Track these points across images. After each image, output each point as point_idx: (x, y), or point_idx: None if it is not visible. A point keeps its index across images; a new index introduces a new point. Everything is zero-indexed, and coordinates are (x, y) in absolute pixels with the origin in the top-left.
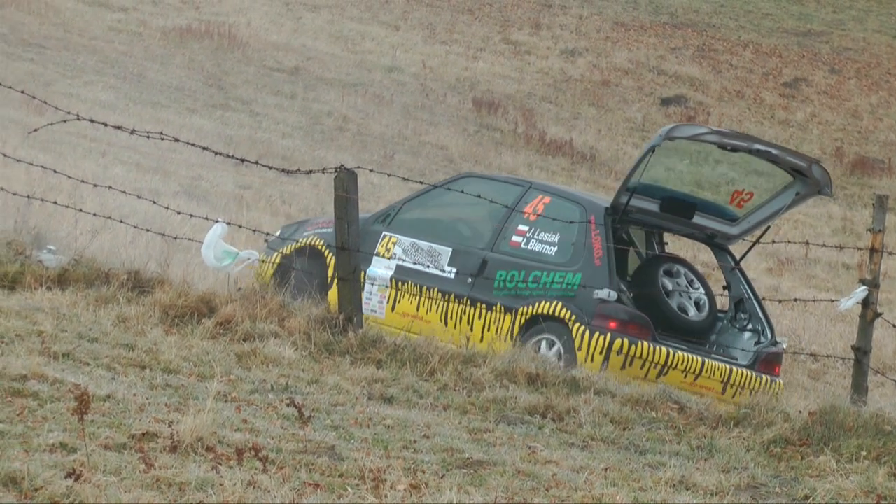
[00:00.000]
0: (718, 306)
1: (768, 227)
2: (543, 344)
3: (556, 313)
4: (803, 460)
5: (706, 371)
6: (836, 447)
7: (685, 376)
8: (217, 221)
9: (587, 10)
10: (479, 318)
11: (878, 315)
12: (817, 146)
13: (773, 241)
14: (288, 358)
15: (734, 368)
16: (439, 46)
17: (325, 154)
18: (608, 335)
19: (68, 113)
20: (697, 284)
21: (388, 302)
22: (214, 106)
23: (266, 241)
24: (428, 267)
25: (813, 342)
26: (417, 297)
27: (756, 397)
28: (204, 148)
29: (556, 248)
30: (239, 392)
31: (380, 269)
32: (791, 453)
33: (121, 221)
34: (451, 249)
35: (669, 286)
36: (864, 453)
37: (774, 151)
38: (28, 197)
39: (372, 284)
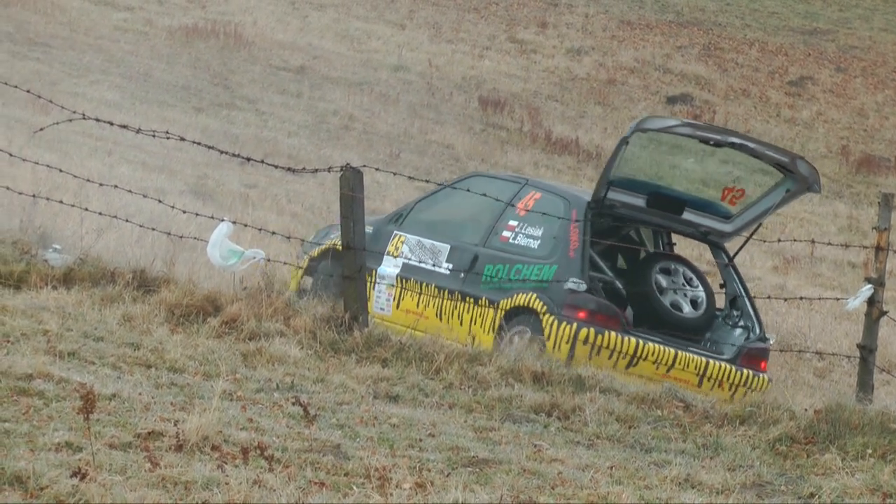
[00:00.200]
0: (719, 305)
1: (760, 224)
2: (517, 337)
3: (530, 304)
4: (809, 458)
5: (679, 363)
6: (842, 445)
7: (657, 368)
8: (223, 220)
9: (593, 8)
10: (468, 312)
11: (883, 313)
12: (823, 144)
13: (779, 240)
14: (293, 357)
15: (711, 361)
16: (445, 45)
17: (331, 153)
18: (574, 325)
19: (74, 112)
20: (697, 283)
21: (393, 300)
22: (220, 105)
23: (301, 245)
24: (428, 264)
25: (819, 340)
26: (419, 294)
27: (755, 396)
28: (210, 147)
29: (539, 241)
30: (244, 391)
31: (389, 267)
32: (797, 451)
33: (126, 220)
34: (449, 246)
35: (664, 283)
36: (869, 451)
37: (751, 145)
38: (34, 196)
39: (381, 283)
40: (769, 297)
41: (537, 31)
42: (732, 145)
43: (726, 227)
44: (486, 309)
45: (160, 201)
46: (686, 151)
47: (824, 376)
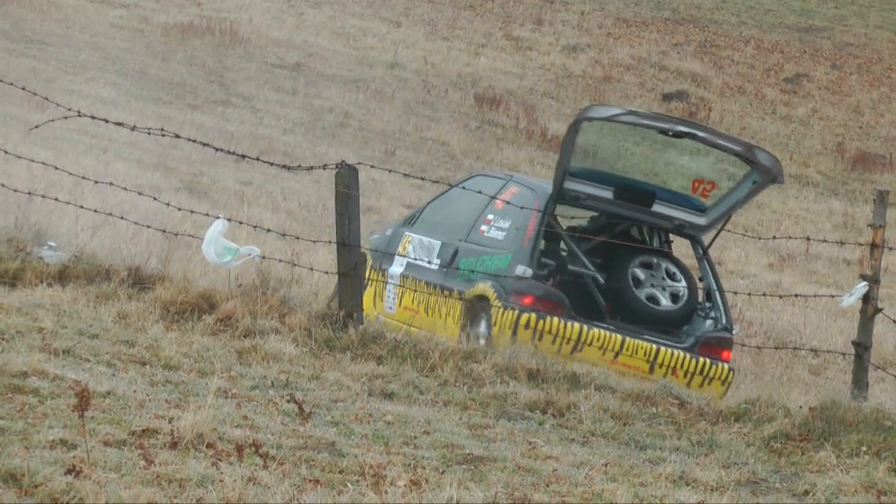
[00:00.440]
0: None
1: (729, 217)
2: (478, 325)
3: (485, 293)
4: (803, 455)
5: (627, 349)
6: (837, 442)
7: (603, 353)
8: (218, 218)
9: (589, 5)
10: (445, 305)
11: (878, 310)
12: (818, 142)
13: (775, 237)
14: (288, 354)
15: (662, 348)
16: (441, 42)
17: (327, 150)
18: (516, 310)
19: (69, 109)
20: (680, 277)
21: (397, 298)
22: (216, 102)
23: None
24: (423, 261)
25: (814, 337)
26: (414, 291)
27: (715, 385)
28: (205, 144)
29: (504, 233)
30: (239, 388)
31: (396, 267)
32: (791, 448)
33: (121, 218)
34: (440, 243)
35: (642, 277)
36: (864, 448)
37: (701, 134)
38: (29, 193)
39: (389, 283)
40: (764, 295)
41: (533, 29)
42: (680, 134)
43: (701, 220)
44: (458, 301)
45: (155, 199)
46: (649, 142)
47: (819, 373)
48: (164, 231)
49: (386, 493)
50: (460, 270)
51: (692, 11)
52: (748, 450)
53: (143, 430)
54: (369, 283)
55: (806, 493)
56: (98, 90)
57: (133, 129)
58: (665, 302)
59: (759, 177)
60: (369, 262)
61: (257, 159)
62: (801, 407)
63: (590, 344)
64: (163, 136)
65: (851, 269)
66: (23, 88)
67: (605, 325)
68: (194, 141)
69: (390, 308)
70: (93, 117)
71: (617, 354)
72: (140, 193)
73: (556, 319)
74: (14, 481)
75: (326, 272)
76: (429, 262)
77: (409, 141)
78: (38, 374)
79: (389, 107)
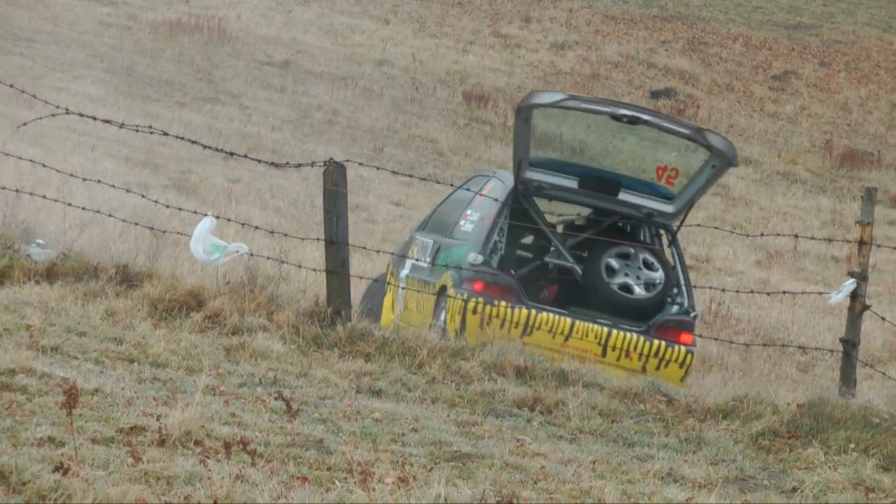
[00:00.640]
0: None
1: (692, 204)
2: (439, 315)
3: (445, 283)
4: (791, 452)
5: (577, 332)
6: (825, 439)
7: (553, 337)
8: (206, 215)
9: (577, 3)
10: (426, 300)
11: (866, 307)
12: (807, 139)
13: (762, 234)
14: (276, 351)
15: (614, 331)
16: (429, 40)
17: (315, 147)
18: (465, 296)
19: (57, 107)
20: (657, 267)
21: (404, 299)
22: (204, 100)
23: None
24: (420, 260)
25: (801, 334)
26: (412, 290)
27: (672, 368)
28: (193, 142)
29: (473, 225)
30: (227, 386)
31: (405, 270)
32: (779, 445)
33: (109, 215)
34: (432, 241)
35: (616, 266)
36: (852, 445)
37: (646, 117)
38: (17, 191)
39: (399, 286)
40: (752, 292)
41: (521, 26)
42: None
43: (668, 208)
44: (432, 295)
45: (143, 196)
46: (609, 130)
47: (807, 370)
48: (152, 228)
49: (374, 490)
50: (440, 265)
51: (680, 9)
52: (736, 447)
53: (131, 428)
54: (389, 288)
55: (794, 490)
56: (86, 88)
57: (121, 126)
58: (639, 291)
59: (717, 161)
60: (389, 268)
61: (245, 157)
62: (789, 404)
63: (538, 328)
64: (151, 133)
65: (839, 266)
66: (10, 86)
67: (555, 310)
68: (182, 138)
69: (399, 310)
70: (81, 115)
71: (567, 337)
72: (128, 191)
73: (503, 304)
74: (2, 479)
75: (314, 269)
76: (424, 262)
77: (398, 138)
78: (25, 372)
79: (378, 104)
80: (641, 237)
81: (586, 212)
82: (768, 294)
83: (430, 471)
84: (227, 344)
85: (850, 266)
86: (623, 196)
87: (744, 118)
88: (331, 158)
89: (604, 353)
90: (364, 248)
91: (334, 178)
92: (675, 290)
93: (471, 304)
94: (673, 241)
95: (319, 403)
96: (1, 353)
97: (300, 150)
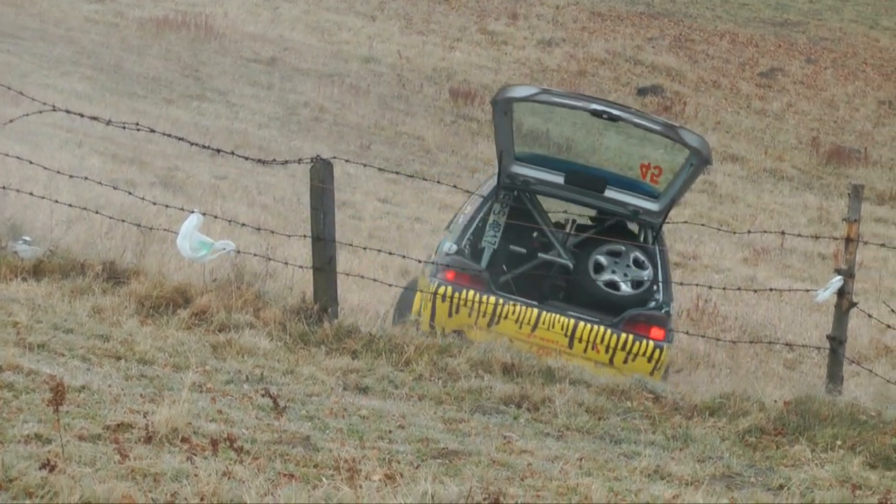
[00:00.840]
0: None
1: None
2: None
3: (423, 273)
4: (778, 450)
5: (543, 323)
6: (812, 437)
7: (520, 327)
8: (193, 212)
9: (564, 0)
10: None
11: (853, 305)
12: (793, 136)
13: (749, 231)
14: (263, 348)
15: (581, 323)
16: (416, 37)
17: (302, 144)
18: (435, 284)
19: (44, 104)
20: (647, 266)
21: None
22: (191, 97)
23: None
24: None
25: (788, 332)
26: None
27: (640, 361)
28: (180, 139)
29: (462, 219)
30: (214, 383)
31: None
32: (766, 443)
33: (96, 212)
34: (445, 241)
35: (605, 263)
36: (839, 443)
37: (615, 112)
38: (3, 188)
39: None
40: (739, 289)
41: (508, 23)
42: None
43: (654, 206)
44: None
45: (130, 193)
46: (591, 127)
47: (794, 368)
48: (139, 225)
49: (361, 487)
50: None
51: (667, 6)
52: (723, 444)
53: (118, 425)
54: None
55: (781, 487)
56: (73, 84)
57: (108, 123)
58: (625, 288)
59: (695, 158)
60: (426, 272)
61: (232, 154)
62: (776, 401)
63: (506, 317)
64: (138, 130)
65: (826, 263)
66: None
67: (524, 300)
68: (169, 135)
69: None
70: (67, 112)
71: (534, 328)
72: (115, 188)
73: (471, 292)
74: None
75: (301, 266)
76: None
77: (384, 135)
78: (12, 369)
79: (364, 101)
80: (641, 237)
81: (588, 212)
82: (755, 291)
83: (416, 468)
84: (214, 341)
85: (837, 263)
86: (609, 193)
87: (730, 115)
88: (317, 155)
89: (570, 345)
90: (351, 244)
91: (321, 175)
92: (656, 287)
93: (440, 291)
94: (656, 238)
95: (306, 400)
96: None
97: (287, 146)
